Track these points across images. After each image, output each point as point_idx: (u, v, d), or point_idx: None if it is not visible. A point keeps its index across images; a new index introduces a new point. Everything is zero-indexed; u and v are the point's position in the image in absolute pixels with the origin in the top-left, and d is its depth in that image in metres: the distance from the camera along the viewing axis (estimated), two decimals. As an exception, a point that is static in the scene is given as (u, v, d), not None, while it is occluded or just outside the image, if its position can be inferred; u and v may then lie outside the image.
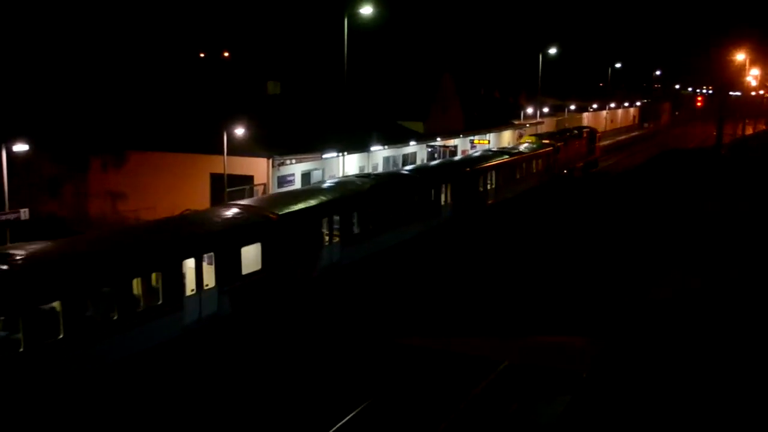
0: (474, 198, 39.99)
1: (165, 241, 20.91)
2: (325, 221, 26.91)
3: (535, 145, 52.21)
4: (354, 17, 49.44)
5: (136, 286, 19.37)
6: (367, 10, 48.40)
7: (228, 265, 22.06)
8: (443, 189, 36.43)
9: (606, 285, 28.65)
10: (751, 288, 28.16)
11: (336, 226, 27.52)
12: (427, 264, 31.25)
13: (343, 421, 17.40)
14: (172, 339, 20.09)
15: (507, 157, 45.84)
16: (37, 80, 44.62)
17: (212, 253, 21.64)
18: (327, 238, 27.03)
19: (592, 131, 66.92)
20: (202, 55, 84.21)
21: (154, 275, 19.79)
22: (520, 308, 25.83)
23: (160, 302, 19.81)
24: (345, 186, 30.21)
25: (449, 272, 30.44)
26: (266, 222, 24.13)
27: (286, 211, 25.31)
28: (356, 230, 28.75)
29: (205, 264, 21.43)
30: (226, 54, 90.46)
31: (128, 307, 18.93)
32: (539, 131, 75.24)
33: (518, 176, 46.62)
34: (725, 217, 41.75)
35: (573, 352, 21.84)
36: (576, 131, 63.50)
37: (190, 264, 20.95)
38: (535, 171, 49.88)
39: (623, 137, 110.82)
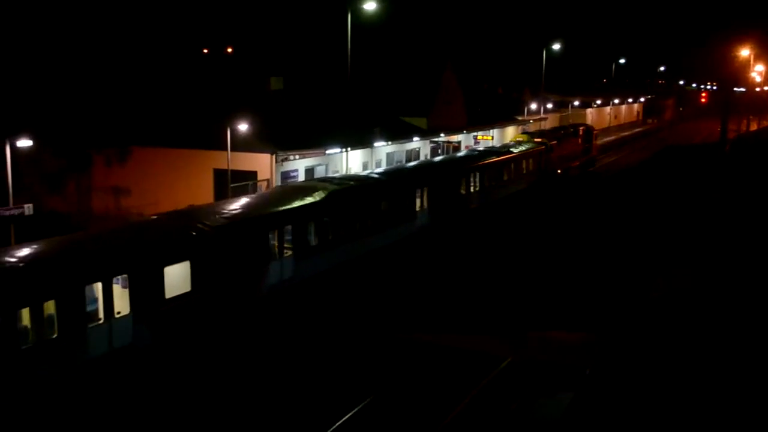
0: (455, 202, 37.47)
1: (61, 263, 17.99)
2: (274, 233, 24.19)
3: (526, 144, 50.02)
4: (357, 12, 49.40)
5: (25, 316, 16.76)
6: (370, 5, 48.36)
7: (146, 287, 19.20)
8: (419, 193, 33.78)
9: (598, 288, 28.55)
10: (751, 285, 28.11)
11: (290, 238, 24.96)
12: (398, 277, 28.68)
13: (345, 418, 17.41)
14: (69, 377, 17.43)
15: (493, 157, 43.63)
16: (41, 76, 44.62)
17: (126, 275, 18.94)
18: (277, 252, 24.31)
19: (589, 129, 63.98)
20: (205, 50, 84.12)
21: (48, 303, 17.11)
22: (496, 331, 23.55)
23: (55, 335, 17.14)
24: (302, 192, 27.41)
25: (424, 285, 27.85)
26: (197, 236, 21.29)
27: (225, 222, 22.61)
28: (313, 242, 26.08)
29: (119, 287, 18.99)
30: (230, 50, 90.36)
31: (11, 343, 16.21)
32: (543, 127, 75.02)
33: (506, 177, 44.38)
34: (726, 215, 41.65)
35: (575, 348, 21.82)
36: (571, 129, 60.86)
37: (100, 287, 18.35)
38: (525, 172, 47.50)
39: (627, 133, 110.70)
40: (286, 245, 24.77)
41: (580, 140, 59.79)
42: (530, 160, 48.47)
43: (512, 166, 45.29)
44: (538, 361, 20.62)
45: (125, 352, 18.72)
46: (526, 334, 23.00)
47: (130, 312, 18.94)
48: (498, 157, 44.01)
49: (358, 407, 17.81)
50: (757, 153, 66.34)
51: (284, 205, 25.56)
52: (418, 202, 33.70)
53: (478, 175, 40.34)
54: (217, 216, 23.12)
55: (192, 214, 23.21)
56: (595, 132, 65.78)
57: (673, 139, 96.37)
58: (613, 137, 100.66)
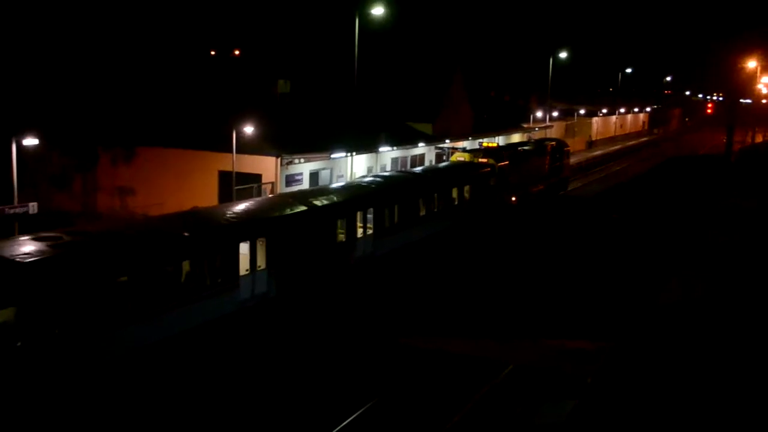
0: (325, 256, 27.00)
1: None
2: None
3: (464, 166, 41.03)
4: (365, 17, 49.48)
5: None
6: (378, 11, 48.47)
7: None
8: (251, 246, 23.38)
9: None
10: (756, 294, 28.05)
11: None
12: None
13: (346, 421, 17.39)
14: None
15: (403, 185, 33.94)
16: (48, 75, 44.78)
17: None
18: None
19: (559, 144, 53.91)
20: (212, 52, 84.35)
21: None
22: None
23: None
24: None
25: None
26: None
27: None
28: None
29: None
30: (237, 52, 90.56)
31: None
32: (548, 135, 74.83)
33: (423, 212, 34.20)
34: (731, 226, 41.56)
35: (578, 356, 21.79)
36: (534, 145, 50.85)
37: None
38: (457, 203, 37.66)
39: (632, 142, 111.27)
40: None
41: (546, 158, 50.09)
42: (467, 188, 38.64)
43: (436, 195, 35.41)
44: (540, 368, 20.61)
45: None
46: (528, 341, 22.97)
47: None
48: (410, 185, 34.45)
49: (362, 410, 17.81)
50: (762, 164, 66.26)
51: None
52: (243, 262, 23.15)
53: (373, 212, 30.02)
54: None
55: None
56: (567, 148, 55.74)
57: (678, 150, 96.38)
58: (618, 146, 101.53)
